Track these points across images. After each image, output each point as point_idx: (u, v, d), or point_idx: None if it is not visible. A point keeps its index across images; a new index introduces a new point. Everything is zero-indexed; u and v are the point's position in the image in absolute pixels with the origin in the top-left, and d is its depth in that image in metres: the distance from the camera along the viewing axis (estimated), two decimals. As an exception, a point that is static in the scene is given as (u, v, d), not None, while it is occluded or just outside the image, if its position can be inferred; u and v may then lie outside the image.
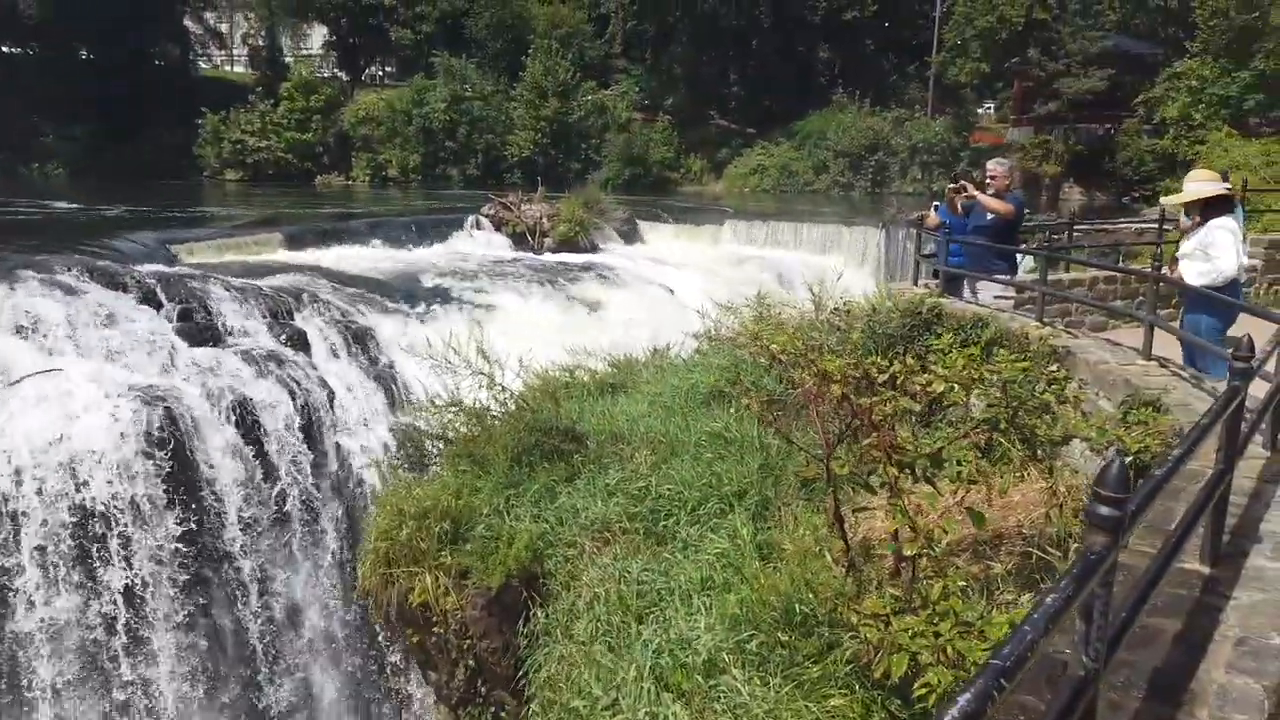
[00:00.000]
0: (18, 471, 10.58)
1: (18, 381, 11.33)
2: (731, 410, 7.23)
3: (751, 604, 4.34)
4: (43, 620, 10.57)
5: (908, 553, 3.45)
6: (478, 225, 24.43)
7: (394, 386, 14.63)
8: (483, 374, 7.75)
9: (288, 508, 12.37)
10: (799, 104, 44.99)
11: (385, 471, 7.56)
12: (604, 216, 24.86)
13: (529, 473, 6.76)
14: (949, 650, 3.02)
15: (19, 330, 12.11)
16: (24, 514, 10.59)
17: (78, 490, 10.85)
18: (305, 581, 12.46)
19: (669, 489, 6.27)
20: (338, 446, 13.29)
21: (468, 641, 6.01)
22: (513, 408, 7.36)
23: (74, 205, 27.80)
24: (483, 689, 5.99)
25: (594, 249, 23.35)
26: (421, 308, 16.63)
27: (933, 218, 10.51)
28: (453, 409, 7.76)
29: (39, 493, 10.69)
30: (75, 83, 41.06)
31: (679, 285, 19.47)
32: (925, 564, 3.37)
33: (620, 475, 6.56)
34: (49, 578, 10.67)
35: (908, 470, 3.91)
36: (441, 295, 17.47)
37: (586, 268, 20.32)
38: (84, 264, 14.13)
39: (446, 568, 6.15)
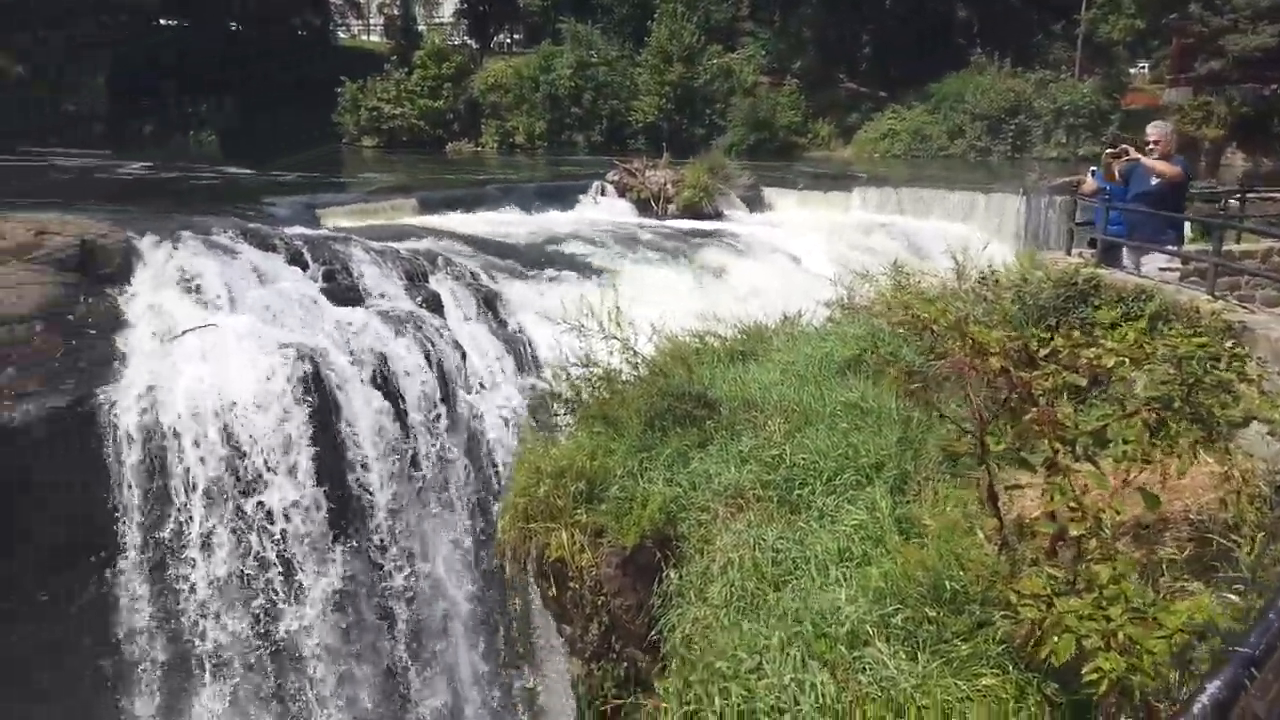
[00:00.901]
0: (177, 417, 11.37)
1: (180, 335, 12.10)
2: (868, 380, 7.08)
3: (896, 578, 4.26)
4: (204, 564, 11.37)
5: (1074, 533, 3.30)
6: (602, 192, 24.61)
7: (522, 349, 14.96)
8: (615, 338, 7.82)
9: (422, 464, 12.88)
10: (934, 65, 43.19)
11: (521, 431, 7.75)
12: (728, 183, 24.62)
13: (661, 437, 6.80)
14: (1120, 636, 2.89)
15: (181, 287, 12.90)
16: (181, 459, 11.39)
17: (231, 440, 11.60)
18: (437, 534, 12.97)
19: (804, 458, 6.20)
20: (469, 406, 13.72)
21: (602, 598, 6.13)
22: (644, 372, 7.40)
23: (227, 170, 29.46)
24: (616, 645, 6.12)
25: (718, 215, 23.18)
26: (548, 272, 16.92)
27: (1089, 183, 9.93)
28: (585, 371, 7.87)
29: (195, 444, 11.47)
30: (225, 53, 43.34)
31: (805, 253, 19.15)
32: (1094, 546, 3.23)
33: (753, 442, 6.53)
34: (206, 522, 11.43)
35: (1069, 448, 3.74)
36: (566, 261, 17.72)
37: (710, 234, 20.21)
38: (238, 226, 14.94)
39: (582, 525, 6.28)
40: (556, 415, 7.89)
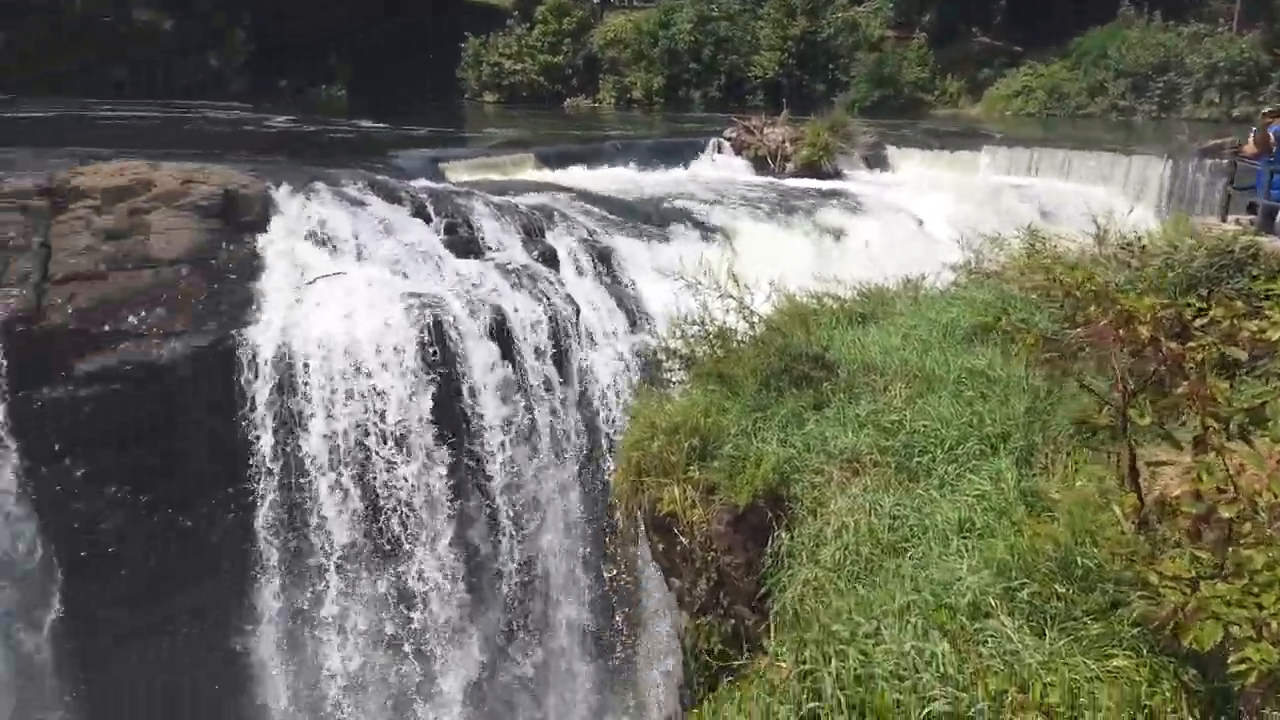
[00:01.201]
0: (306, 358, 11.94)
1: (311, 282, 12.62)
2: (996, 348, 6.83)
3: (1022, 551, 4.12)
4: (330, 494, 11.98)
5: (1225, 514, 3.11)
6: (719, 149, 24.30)
7: (634, 307, 15.02)
8: (731, 296, 7.75)
9: (536, 416, 13.16)
10: (1075, 19, 40.69)
11: (635, 386, 7.80)
12: (849, 141, 23.93)
13: (777, 397, 6.74)
14: (1273, 626, 2.72)
15: (313, 237, 13.41)
16: (309, 399, 11.97)
17: (357, 381, 12.13)
18: (546, 484, 13.25)
19: (925, 425, 6.05)
20: (581, 361, 13.90)
21: (712, 554, 6.16)
22: (760, 332, 7.32)
23: (358, 125, 30.40)
24: (724, 601, 6.16)
25: (837, 175, 22.60)
26: (662, 230, 16.88)
27: (1249, 145, 9.21)
28: (700, 329, 7.85)
29: (323, 386, 12.02)
30: (355, 9, 44.47)
31: (928, 215, 18.49)
32: (1247, 529, 3.03)
33: (872, 407, 6.41)
34: (331, 455, 11.99)
35: (1221, 425, 3.51)
36: (681, 218, 17.62)
37: (829, 194, 19.73)
38: (366, 178, 15.40)
39: (694, 482, 6.31)
40: (670, 372, 7.91)
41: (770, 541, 5.93)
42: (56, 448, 11.17)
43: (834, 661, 3.45)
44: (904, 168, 24.13)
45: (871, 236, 16.70)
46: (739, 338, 7.48)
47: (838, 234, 16.94)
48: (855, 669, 3.40)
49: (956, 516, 5.07)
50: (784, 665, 3.74)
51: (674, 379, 7.85)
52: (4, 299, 10.88)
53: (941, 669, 3.30)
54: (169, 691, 11.48)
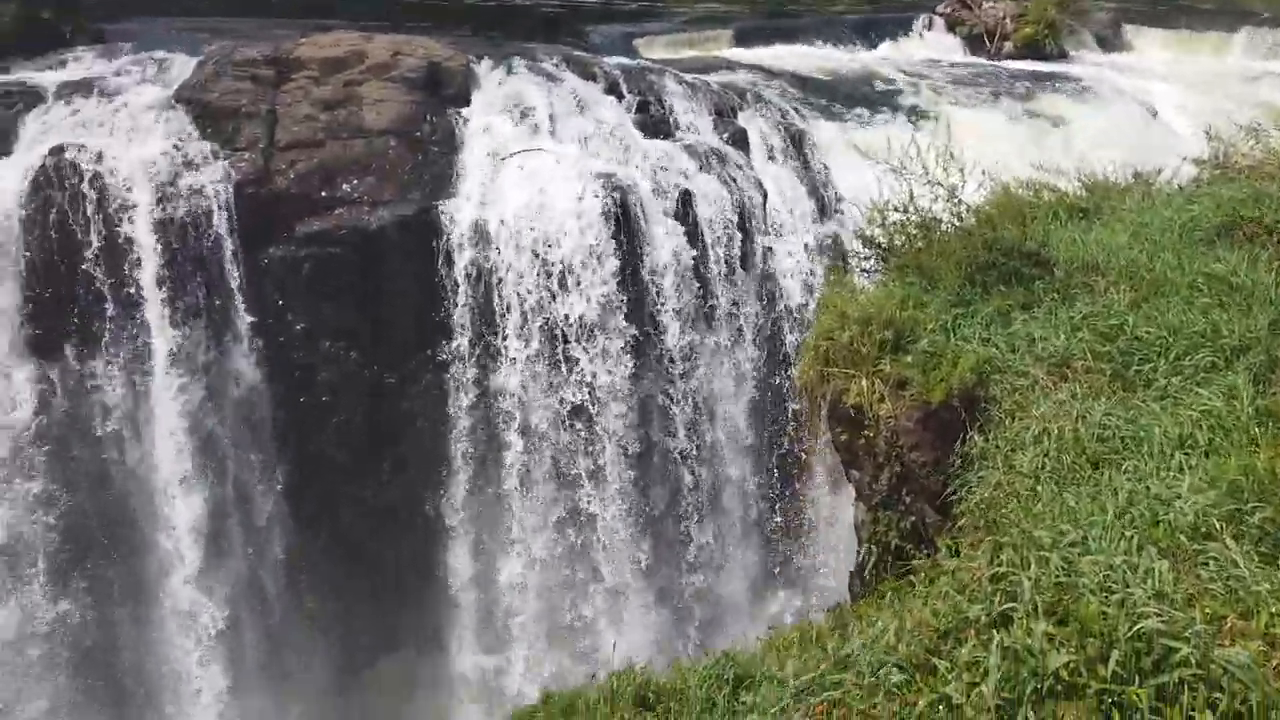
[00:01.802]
0: (501, 227, 12.36)
1: (507, 157, 12.91)
2: (1241, 252, 6.12)
3: (1258, 474, 3.76)
4: (518, 363, 12.56)
5: None
6: (929, 25, 22.55)
7: (826, 194, 14.49)
8: (938, 184, 7.30)
9: (716, 301, 13.13)
10: None
11: (827, 273, 7.57)
12: (1080, 18, 21.57)
13: (982, 293, 6.37)
14: None
15: (510, 112, 13.63)
16: (502, 270, 12.45)
17: (546, 256, 12.49)
18: (723, 369, 13.30)
19: (1149, 331, 5.56)
20: (766, 247, 13.64)
21: (897, 450, 6.02)
22: (971, 222, 6.88)
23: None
24: (906, 498, 6.04)
25: (1062, 56, 20.53)
26: (861, 112, 16.03)
27: None
28: (901, 216, 7.46)
29: (514, 260, 12.45)
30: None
31: (1164, 104, 16.58)
32: None
33: (1089, 309, 5.94)
34: (521, 324, 12.50)
35: None
36: (884, 100, 16.64)
37: (1052, 77, 18.01)
38: (563, 53, 15.39)
39: (884, 375, 6.13)
40: (865, 260, 7.62)
41: (961, 442, 5.71)
42: (280, 303, 12.20)
43: (1034, 567, 3.30)
44: (1141, 49, 21.58)
45: (1098, 125, 15.20)
46: (944, 228, 7.06)
47: (1059, 122, 15.50)
48: (1057, 577, 3.24)
49: (1178, 432, 4.68)
50: (975, 566, 3.62)
51: (868, 269, 7.55)
52: (237, 162, 11.76)
53: (1156, 586, 3.09)
54: (375, 538, 12.65)
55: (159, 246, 11.39)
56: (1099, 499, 3.97)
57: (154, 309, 11.59)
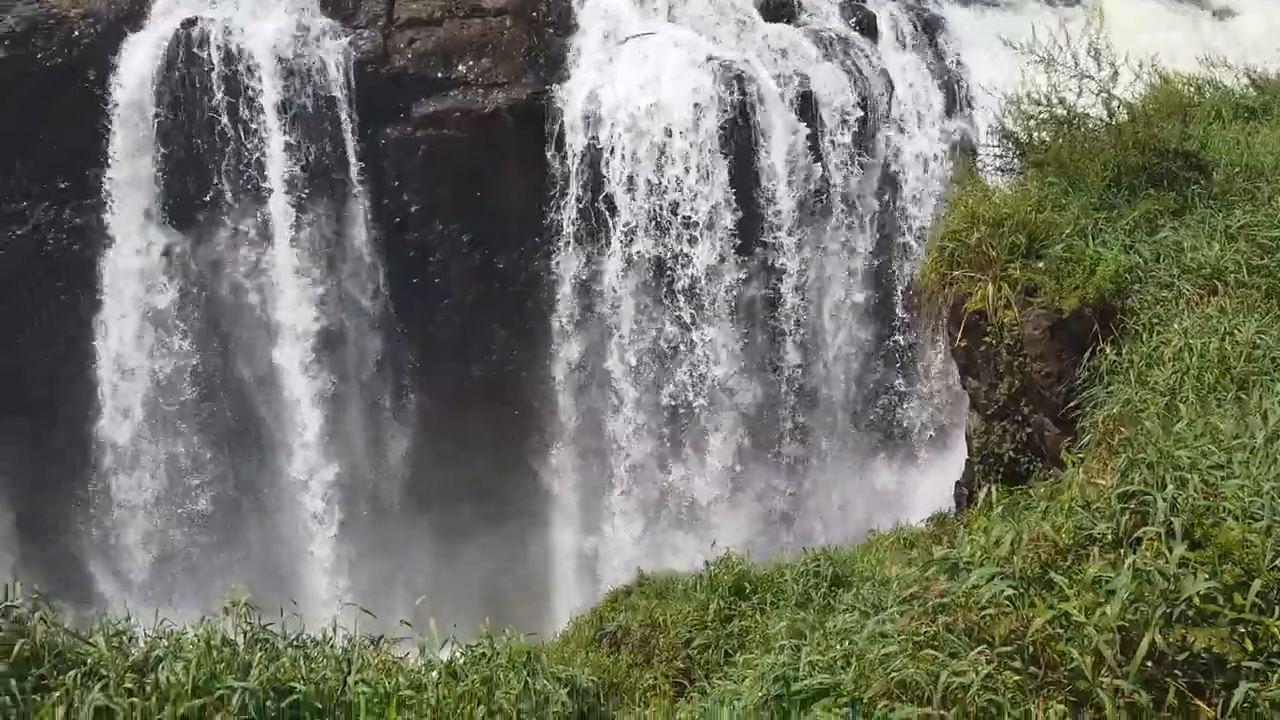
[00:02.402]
0: (615, 116, 12.13)
1: (623, 42, 12.57)
2: None
3: None
4: (624, 246, 12.52)
5: None
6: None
7: (957, 86, 13.62)
8: (1088, 76, 6.74)
9: (833, 195, 12.68)
10: None
11: (955, 172, 7.16)
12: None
13: (1128, 197, 5.94)
14: None
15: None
16: (613, 158, 12.28)
17: (656, 141, 12.27)
18: (833, 265, 12.94)
19: (1316, 246, 5.09)
20: (889, 141, 13.02)
21: (1020, 359, 5.76)
22: (1122, 118, 6.36)
23: None
24: (1025, 409, 5.81)
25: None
26: (1001, -1, 14.87)
27: None
28: (1042, 110, 6.95)
29: (626, 146, 12.26)
30: None
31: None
32: None
33: (1249, 218, 5.46)
34: (629, 208, 12.41)
35: None
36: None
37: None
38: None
39: (1013, 281, 5.82)
40: (1000, 157, 7.16)
41: (1091, 354, 5.42)
42: (396, 184, 12.39)
43: (1170, 488, 3.12)
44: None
45: (1269, 18, 13.74)
46: (1091, 124, 6.56)
47: (1227, 13, 14.08)
48: (1195, 499, 3.06)
49: (1340, 356, 4.32)
50: (1102, 483, 3.46)
51: (1003, 167, 7.11)
52: (356, 40, 11.79)
53: (1307, 517, 2.88)
54: (481, 415, 13.04)
55: (282, 123, 11.66)
56: (1246, 422, 3.71)
57: (277, 183, 11.98)
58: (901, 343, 12.55)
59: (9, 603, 2.98)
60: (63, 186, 12.03)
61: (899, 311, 12.74)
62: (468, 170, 12.30)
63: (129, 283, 12.19)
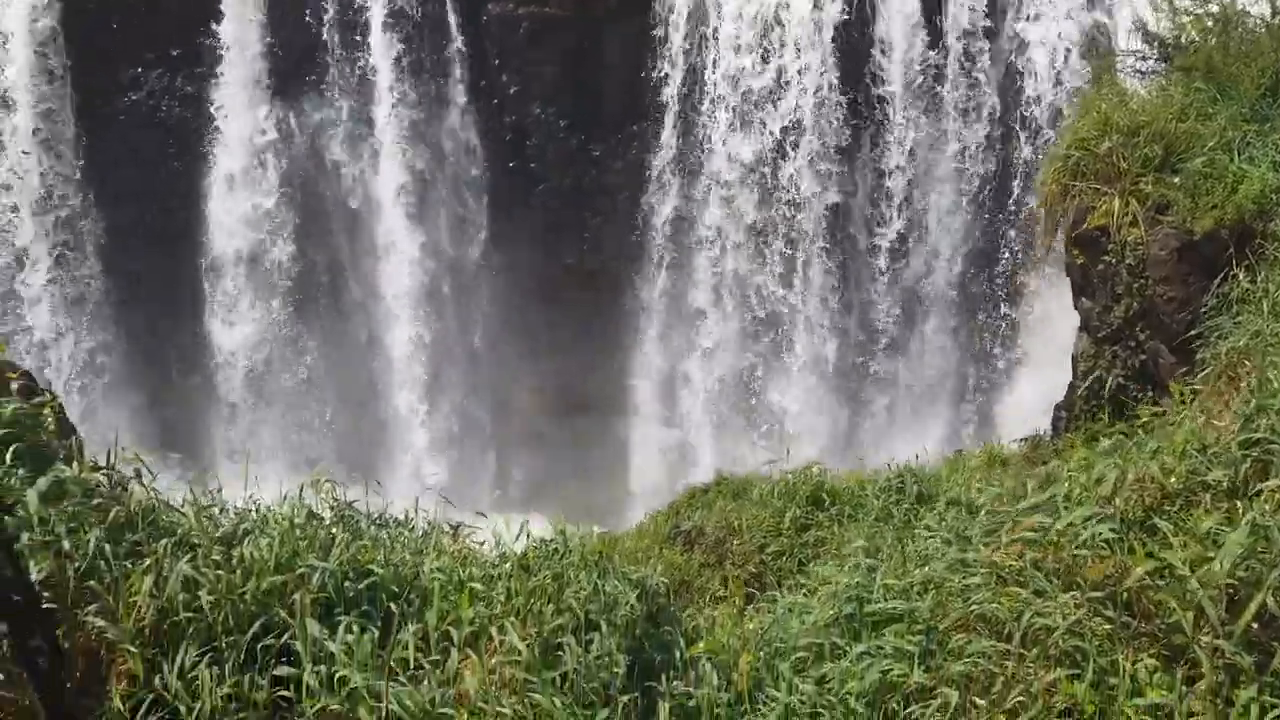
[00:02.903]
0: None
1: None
2: None
3: None
4: (722, 146, 12.15)
5: None
6: None
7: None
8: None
9: (949, 86, 11.94)
10: None
11: (1078, 72, 6.57)
12: None
13: (1286, 108, 5.34)
14: None
15: None
16: (720, 28, 11.89)
17: (765, 30, 11.77)
18: (942, 160, 12.27)
19: None
20: (1015, 33, 12.08)
21: (1141, 281, 5.37)
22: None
23: None
24: (1141, 334, 5.44)
25: None
26: None
27: None
28: (1192, 7, 6.27)
29: (730, 34, 11.87)
30: None
31: None
32: None
33: None
34: (735, 93, 12.05)
35: None
36: None
37: None
38: None
39: (1142, 196, 5.37)
40: (1142, 59, 6.53)
41: (1222, 280, 5.00)
42: (496, 63, 12.20)
43: (1307, 431, 2.87)
44: None
45: None
46: (1250, 24, 5.89)
47: None
48: (1329, 451, 2.81)
49: None
50: (1222, 426, 3.20)
51: (1145, 69, 6.48)
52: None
53: None
54: (571, 302, 13.08)
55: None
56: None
57: (380, 61, 11.98)
58: (1013, 255, 11.93)
59: (108, 467, 3.10)
60: (175, 54, 12.25)
61: (1009, 221, 12.08)
62: (569, 50, 12.03)
63: (236, 151, 12.50)
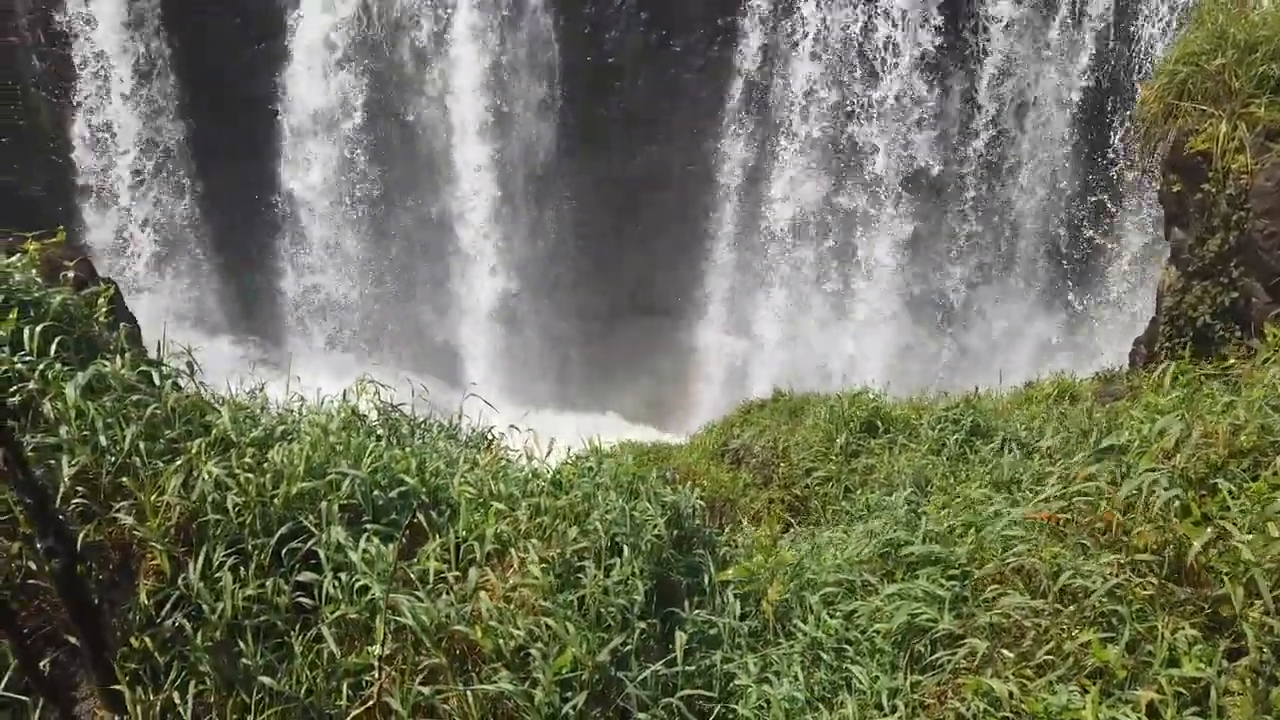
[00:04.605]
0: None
1: None
2: None
3: None
4: (804, 55, 11.59)
5: None
6: None
7: None
8: None
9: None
10: None
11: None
12: None
13: None
14: None
15: None
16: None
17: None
18: (1047, 81, 11.49)
19: None
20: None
21: (1242, 213, 4.96)
22: None
23: None
24: (1235, 270, 5.06)
25: None
26: None
27: None
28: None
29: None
30: None
31: None
32: None
33: None
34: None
35: None
36: None
37: None
38: None
39: (1252, 120, 4.91)
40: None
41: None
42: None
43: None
44: None
45: None
46: None
47: None
48: None
49: None
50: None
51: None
52: None
53: None
54: (643, 200, 12.87)
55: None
56: None
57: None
58: (1107, 181, 11.21)
59: (155, 362, 3.14)
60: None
61: (1112, 140, 11.30)
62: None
63: (315, 33, 12.43)
